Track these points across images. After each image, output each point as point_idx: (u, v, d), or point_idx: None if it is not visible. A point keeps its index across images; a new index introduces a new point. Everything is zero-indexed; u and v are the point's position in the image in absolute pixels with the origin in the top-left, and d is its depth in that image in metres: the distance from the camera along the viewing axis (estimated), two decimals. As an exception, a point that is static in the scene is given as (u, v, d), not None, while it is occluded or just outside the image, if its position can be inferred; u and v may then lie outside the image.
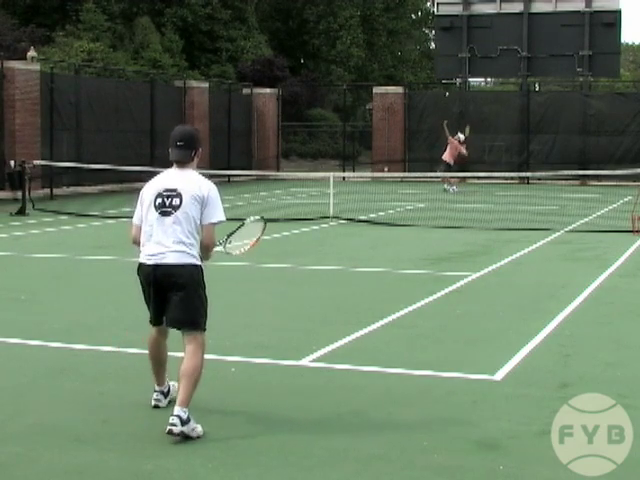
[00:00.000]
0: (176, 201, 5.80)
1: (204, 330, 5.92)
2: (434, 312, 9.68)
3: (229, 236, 6.45)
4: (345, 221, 18.98)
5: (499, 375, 7.03)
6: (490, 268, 12.66)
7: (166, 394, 6.26)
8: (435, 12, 44.92)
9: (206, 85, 35.66)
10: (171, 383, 6.29)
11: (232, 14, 47.09)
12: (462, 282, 11.45)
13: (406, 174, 32.75)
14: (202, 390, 6.57)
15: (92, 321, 9.05)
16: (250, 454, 5.36)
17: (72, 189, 27.35)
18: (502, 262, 13.28)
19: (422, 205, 23.00)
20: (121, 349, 7.77)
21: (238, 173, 31.87)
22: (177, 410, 5.58)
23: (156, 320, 5.99)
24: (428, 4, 64.65)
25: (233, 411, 6.18)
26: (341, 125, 41.78)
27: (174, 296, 5.77)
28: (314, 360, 7.48)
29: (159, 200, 5.83)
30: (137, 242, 6.01)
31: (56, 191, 26.07)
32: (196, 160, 6.02)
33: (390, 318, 9.17)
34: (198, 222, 5.85)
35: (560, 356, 7.68)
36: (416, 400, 6.45)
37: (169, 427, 5.54)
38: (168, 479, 5.04)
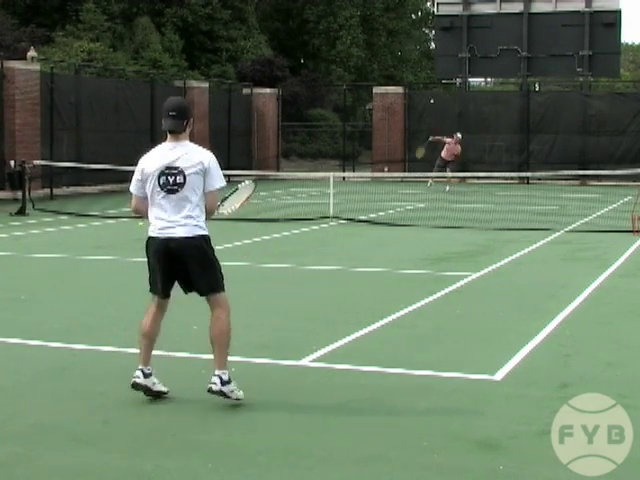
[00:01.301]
0: (180, 179, 6.14)
1: (223, 290, 6.33)
2: (434, 312, 9.68)
3: (223, 201, 6.86)
4: (345, 221, 18.98)
5: (499, 375, 7.03)
6: (490, 268, 12.66)
7: (147, 375, 6.33)
8: (435, 12, 44.92)
9: (206, 85, 35.66)
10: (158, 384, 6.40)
11: (232, 14, 47.09)
12: (462, 282, 11.45)
13: (406, 174, 32.74)
14: (202, 390, 6.58)
15: (92, 321, 9.05)
16: (250, 454, 5.36)
17: (72, 189, 27.35)
18: (502, 262, 13.28)
19: (422, 205, 23.00)
20: (121, 349, 7.77)
21: (238, 173, 31.77)
22: (217, 372, 6.14)
23: (164, 292, 6.31)
24: (428, 4, 64.69)
25: (233, 411, 6.18)
26: (341, 125, 41.77)
27: (190, 267, 6.16)
28: (314, 360, 7.49)
29: (163, 179, 6.16)
30: (139, 211, 6.42)
31: (56, 191, 26.07)
32: (188, 130, 6.33)
33: (390, 318, 9.17)
34: (201, 191, 6.24)
35: (560, 356, 7.68)
36: (416, 400, 6.45)
37: (209, 385, 6.12)
38: (168, 479, 5.04)
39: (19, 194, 20.93)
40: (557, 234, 16.86)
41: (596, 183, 33.06)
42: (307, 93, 47.73)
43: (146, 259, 6.39)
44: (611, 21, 38.45)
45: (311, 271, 12.59)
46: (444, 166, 28.53)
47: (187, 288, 6.37)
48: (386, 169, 35.09)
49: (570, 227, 17.97)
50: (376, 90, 38.28)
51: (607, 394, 5.74)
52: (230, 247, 14.82)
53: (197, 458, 5.29)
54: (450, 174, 28.88)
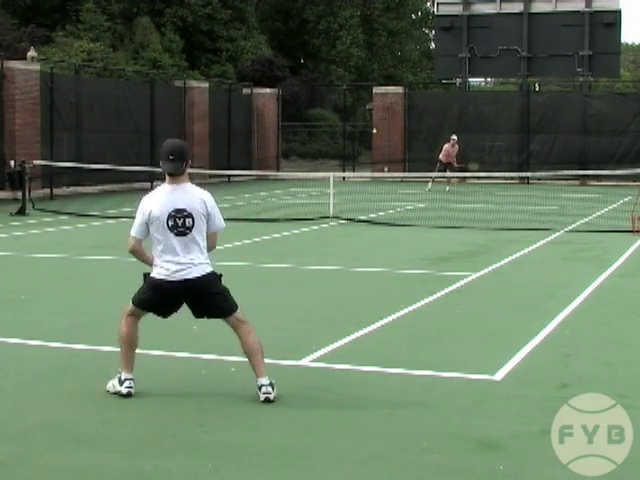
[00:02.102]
0: (189, 222, 6.36)
1: (238, 307, 6.58)
2: (434, 312, 9.68)
3: None
4: (345, 221, 18.98)
5: (499, 375, 7.03)
6: (490, 268, 12.66)
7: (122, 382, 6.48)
8: (435, 12, 44.94)
9: (206, 85, 35.66)
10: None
11: (232, 14, 47.10)
12: (462, 282, 11.45)
13: (406, 174, 32.75)
14: (202, 390, 6.59)
15: (92, 321, 9.05)
16: (250, 454, 5.36)
17: (72, 189, 27.34)
18: (502, 262, 13.28)
19: (422, 205, 23.00)
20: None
21: (238, 173, 31.89)
22: (266, 380, 6.36)
23: (166, 315, 6.65)
24: (428, 4, 64.73)
25: (233, 411, 6.18)
26: (341, 125, 41.78)
27: (209, 300, 6.45)
28: (314, 360, 7.49)
29: (171, 222, 6.34)
30: (137, 253, 6.57)
31: (56, 191, 26.07)
32: (187, 171, 6.48)
33: (390, 318, 9.17)
34: (205, 233, 6.49)
35: (560, 356, 7.68)
36: (416, 400, 6.45)
37: (266, 396, 6.30)
38: (168, 479, 5.04)
39: (19, 194, 20.93)
40: (557, 234, 16.86)
41: (596, 183, 33.06)
42: (307, 93, 47.75)
43: (146, 290, 6.47)
44: (611, 21, 38.46)
45: (311, 271, 12.59)
46: (444, 169, 28.59)
47: (201, 315, 6.62)
48: (386, 169, 35.10)
49: (570, 227, 17.97)
50: (376, 90, 38.28)
51: (607, 394, 5.74)
52: (230, 247, 14.82)
53: (197, 458, 5.29)
54: (450, 174, 28.92)
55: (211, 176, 33.24)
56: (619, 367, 7.34)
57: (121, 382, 6.44)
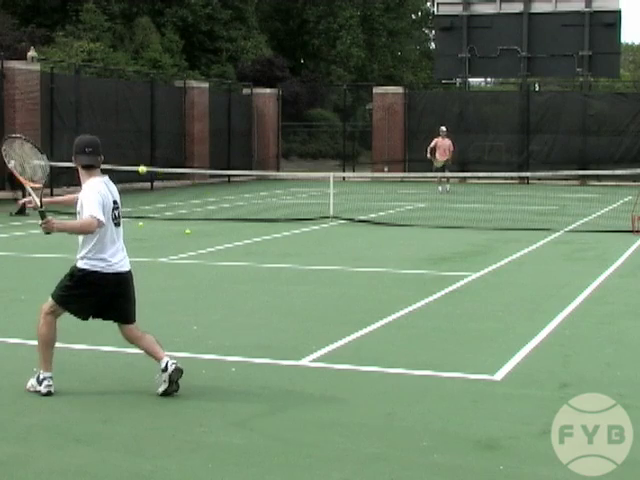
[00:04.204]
0: (120, 213, 6.63)
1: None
2: (434, 312, 9.68)
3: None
4: (345, 221, 18.98)
5: (499, 375, 7.03)
6: (490, 268, 12.66)
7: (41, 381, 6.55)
8: (435, 12, 44.96)
9: (206, 85, 35.65)
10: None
11: (232, 14, 47.09)
12: (462, 282, 11.45)
13: (406, 174, 32.76)
14: (202, 390, 6.58)
15: (92, 321, 9.03)
16: (250, 454, 5.36)
17: (72, 189, 27.32)
18: (502, 262, 13.28)
19: (422, 205, 23.01)
20: (121, 349, 7.75)
21: (238, 173, 31.88)
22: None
23: (86, 315, 6.67)
24: (428, 4, 64.72)
25: (233, 411, 6.18)
26: (341, 125, 41.78)
27: (127, 296, 6.53)
28: (314, 360, 7.48)
29: (114, 213, 6.52)
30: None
31: (56, 191, 26.03)
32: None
33: (390, 318, 9.17)
34: None
35: (560, 356, 7.68)
36: (416, 400, 6.45)
37: (175, 365, 6.38)
38: (168, 479, 5.04)
39: (19, 194, 20.94)
40: (557, 234, 16.86)
41: (596, 183, 33.07)
42: (307, 93, 47.73)
43: (74, 285, 6.49)
44: (611, 21, 38.48)
45: (311, 271, 12.59)
46: (442, 169, 28.52)
47: (109, 314, 6.65)
48: (386, 169, 35.11)
49: (570, 227, 17.98)
50: (376, 90, 38.28)
51: (607, 394, 5.74)
52: (230, 247, 14.82)
53: (197, 458, 5.29)
54: (450, 174, 28.89)
55: (211, 176, 33.28)
56: (619, 367, 7.34)
57: (40, 381, 6.51)
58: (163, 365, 6.41)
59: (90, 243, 6.39)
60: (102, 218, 6.32)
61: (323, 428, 5.83)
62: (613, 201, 24.23)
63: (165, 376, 6.39)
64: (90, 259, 6.40)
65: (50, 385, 6.49)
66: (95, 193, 6.35)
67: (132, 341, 6.64)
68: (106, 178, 6.55)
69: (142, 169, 19.07)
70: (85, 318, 6.70)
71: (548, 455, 5.19)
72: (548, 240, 16.02)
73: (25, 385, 6.59)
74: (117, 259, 6.45)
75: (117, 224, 6.54)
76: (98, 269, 6.39)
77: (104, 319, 6.71)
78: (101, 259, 6.39)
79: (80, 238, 6.44)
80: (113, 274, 6.41)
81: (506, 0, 39.67)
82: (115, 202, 6.51)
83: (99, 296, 6.48)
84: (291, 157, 44.65)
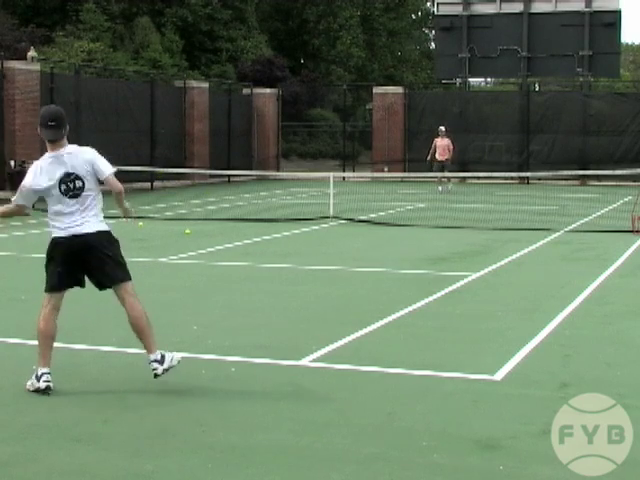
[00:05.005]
0: (79, 183, 6.57)
1: (130, 280, 6.78)
2: (434, 312, 9.68)
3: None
4: (345, 221, 18.98)
5: (499, 375, 7.03)
6: (490, 268, 12.66)
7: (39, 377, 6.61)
8: (435, 12, 44.94)
9: (206, 85, 35.66)
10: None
11: (232, 14, 47.09)
12: (462, 282, 11.45)
13: (406, 174, 32.76)
14: (202, 390, 6.58)
15: (92, 321, 9.05)
16: (250, 454, 5.36)
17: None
18: (502, 262, 13.28)
19: (422, 205, 23.01)
20: (121, 349, 7.76)
21: (238, 173, 31.88)
22: (153, 356, 6.55)
23: (69, 281, 6.70)
24: (428, 4, 64.72)
25: (233, 411, 6.18)
26: (341, 125, 41.78)
27: (98, 259, 6.58)
28: (314, 360, 7.48)
29: (64, 187, 6.55)
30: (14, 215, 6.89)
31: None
32: (65, 136, 6.65)
33: (390, 318, 9.17)
34: (96, 192, 6.68)
35: (560, 356, 7.68)
36: (416, 400, 6.45)
37: (154, 372, 6.52)
38: (168, 479, 5.04)
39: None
40: (557, 234, 16.86)
41: (596, 183, 33.08)
42: (307, 93, 47.74)
43: (48, 264, 6.64)
44: (611, 21, 38.47)
45: (311, 271, 12.59)
46: (442, 169, 28.55)
47: (95, 281, 6.77)
48: (386, 169, 35.11)
49: (570, 227, 17.98)
50: (376, 90, 38.28)
51: (607, 394, 5.73)
52: (230, 247, 14.83)
53: (197, 458, 5.29)
54: (450, 174, 28.90)
55: (211, 176, 33.27)
56: (619, 367, 7.34)
57: (38, 377, 6.54)
58: (152, 358, 6.55)
59: (49, 214, 6.65)
60: (21, 202, 6.67)
61: (323, 428, 5.83)
62: (613, 201, 24.23)
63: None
64: (52, 227, 6.66)
65: (49, 380, 6.50)
66: (29, 173, 6.66)
67: (124, 304, 6.65)
68: (67, 149, 6.58)
69: (188, 232, 16.56)
70: (63, 286, 6.69)
71: (548, 455, 5.19)
72: (548, 240, 16.02)
73: (25, 385, 6.59)
74: (73, 222, 6.53)
75: (72, 196, 6.56)
76: (57, 235, 6.57)
77: (96, 286, 6.82)
78: (58, 227, 6.59)
79: None
80: (74, 236, 6.52)
81: (506, 0, 39.66)
82: (68, 174, 6.54)
83: (69, 263, 6.56)
84: (291, 157, 44.65)
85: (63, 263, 6.58)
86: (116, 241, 6.74)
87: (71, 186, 6.55)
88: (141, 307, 6.63)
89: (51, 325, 6.60)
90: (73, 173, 6.55)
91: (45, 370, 6.54)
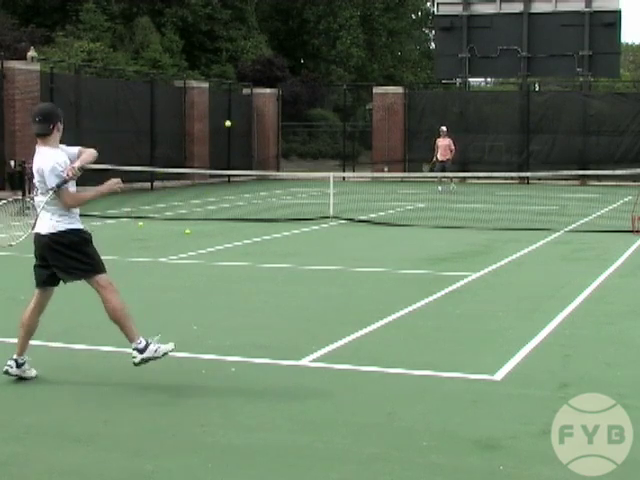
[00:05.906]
0: (39, 182, 6.81)
1: (99, 272, 6.92)
2: (434, 312, 9.68)
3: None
4: (345, 221, 18.98)
5: (499, 375, 7.03)
6: (490, 268, 12.65)
7: (19, 365, 6.78)
8: (435, 12, 44.95)
9: (206, 85, 35.66)
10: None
11: (232, 14, 47.10)
12: (462, 282, 11.45)
13: (406, 174, 32.77)
14: (202, 390, 6.58)
15: (92, 321, 9.04)
16: (250, 454, 5.36)
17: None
18: (502, 262, 13.28)
19: (422, 205, 23.01)
20: (121, 349, 7.75)
21: (238, 173, 31.88)
22: (134, 344, 6.62)
23: (42, 276, 6.85)
24: (428, 4, 64.74)
25: (233, 411, 6.18)
26: (341, 125, 41.78)
27: (52, 258, 6.70)
28: (314, 360, 7.48)
29: (37, 182, 6.84)
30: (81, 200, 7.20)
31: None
32: (57, 134, 6.80)
33: (390, 318, 9.17)
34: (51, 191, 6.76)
35: (560, 356, 7.68)
36: (416, 400, 6.45)
37: (132, 360, 6.61)
38: (168, 479, 5.04)
39: (19, 194, 20.93)
40: (557, 234, 16.86)
41: (596, 183, 33.09)
42: (307, 93, 47.73)
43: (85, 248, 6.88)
44: (611, 21, 38.49)
45: (311, 271, 12.59)
46: (443, 169, 28.59)
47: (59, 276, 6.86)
48: (386, 169, 35.11)
49: (570, 227, 17.98)
50: (376, 90, 38.28)
51: (607, 394, 5.74)
52: (230, 247, 14.82)
53: (197, 458, 5.29)
54: (451, 174, 28.92)
55: (211, 176, 33.27)
56: (619, 367, 7.34)
57: (19, 365, 6.79)
58: (133, 346, 6.66)
59: None
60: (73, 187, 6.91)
61: (323, 428, 5.83)
62: (613, 201, 24.23)
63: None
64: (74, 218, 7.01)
65: (10, 365, 6.73)
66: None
67: (100, 293, 6.76)
68: (41, 149, 6.71)
69: (228, 123, 20.21)
70: (41, 283, 6.84)
71: (548, 455, 5.19)
72: (548, 240, 16.02)
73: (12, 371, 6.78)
74: (37, 219, 6.77)
75: (41, 193, 6.76)
76: (77, 226, 6.91)
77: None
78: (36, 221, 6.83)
79: None
80: (36, 234, 6.80)
81: (506, 0, 39.68)
82: (36, 170, 6.74)
83: (38, 258, 6.81)
84: (291, 157, 44.65)
85: (36, 258, 6.86)
86: (77, 242, 6.77)
87: (36, 183, 6.81)
88: (116, 299, 6.70)
89: (33, 318, 6.85)
90: (37, 171, 6.76)
91: (14, 356, 6.79)
